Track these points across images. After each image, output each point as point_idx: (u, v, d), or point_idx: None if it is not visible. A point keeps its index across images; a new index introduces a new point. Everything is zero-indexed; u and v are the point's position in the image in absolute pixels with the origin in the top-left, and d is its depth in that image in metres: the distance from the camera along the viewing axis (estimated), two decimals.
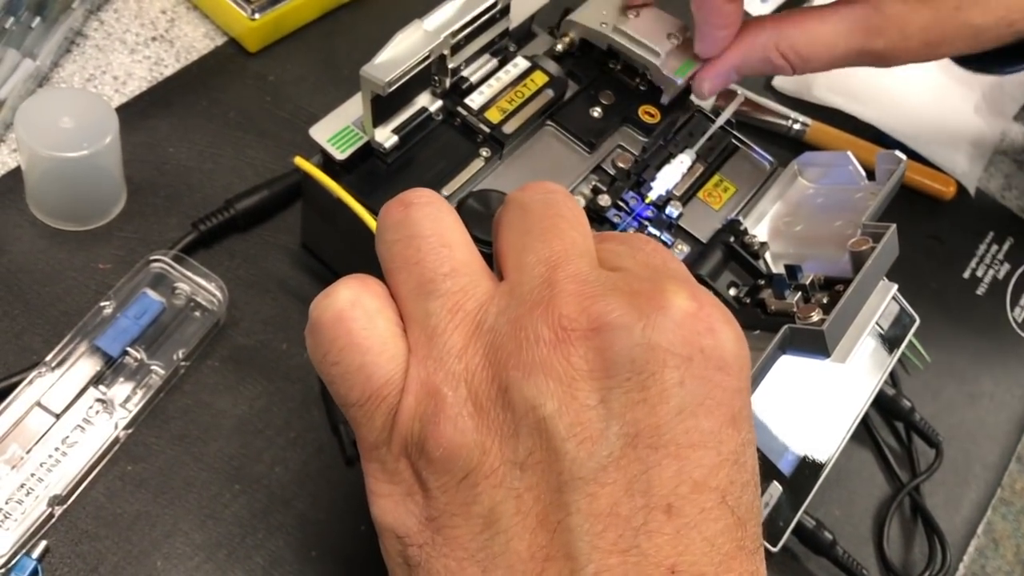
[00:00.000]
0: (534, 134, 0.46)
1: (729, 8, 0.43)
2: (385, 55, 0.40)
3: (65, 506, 0.40)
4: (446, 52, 0.42)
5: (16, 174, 0.48)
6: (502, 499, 0.26)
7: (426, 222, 0.30)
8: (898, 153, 0.45)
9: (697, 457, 0.26)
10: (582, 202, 0.44)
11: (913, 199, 0.63)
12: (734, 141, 0.49)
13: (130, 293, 0.45)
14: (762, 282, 0.43)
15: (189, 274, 0.46)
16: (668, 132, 0.48)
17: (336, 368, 0.29)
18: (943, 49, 0.44)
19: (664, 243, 0.45)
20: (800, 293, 0.40)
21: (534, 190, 0.31)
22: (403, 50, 0.40)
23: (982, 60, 0.46)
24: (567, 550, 0.25)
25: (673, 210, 0.45)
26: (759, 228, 0.47)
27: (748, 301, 0.42)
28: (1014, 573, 0.85)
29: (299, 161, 0.42)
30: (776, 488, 0.43)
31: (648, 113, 0.48)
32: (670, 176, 0.46)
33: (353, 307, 0.29)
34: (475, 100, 0.45)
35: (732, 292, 0.44)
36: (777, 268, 0.44)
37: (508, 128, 0.44)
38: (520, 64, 0.46)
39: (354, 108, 0.43)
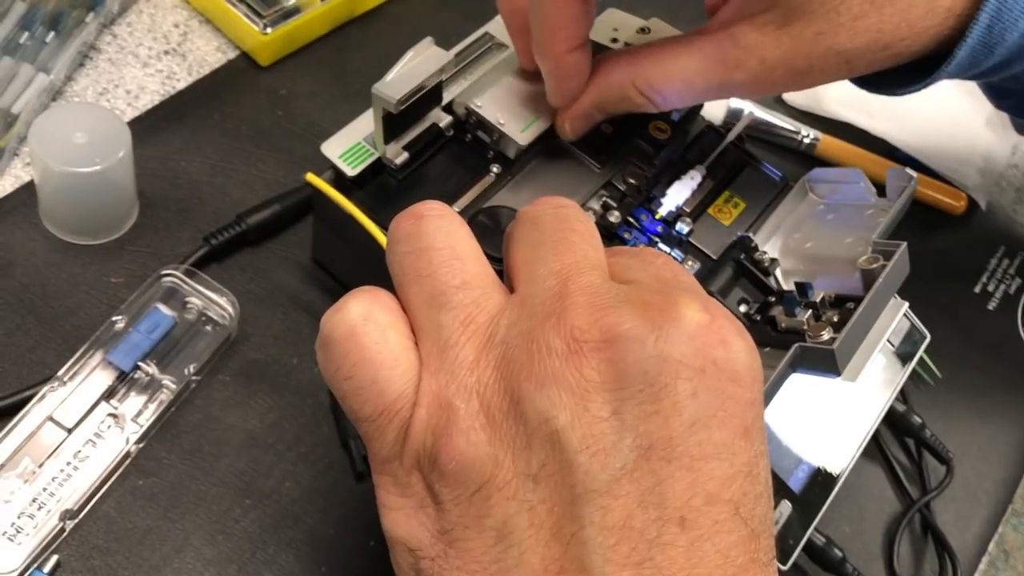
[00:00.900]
0: (545, 150, 0.46)
1: (572, 59, 0.41)
2: (396, 72, 0.40)
3: (76, 520, 0.40)
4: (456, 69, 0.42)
5: (29, 188, 0.49)
6: (515, 512, 0.26)
7: (438, 234, 0.30)
8: (909, 170, 0.45)
9: (710, 469, 0.26)
10: (592, 218, 0.44)
11: (923, 213, 0.63)
12: (744, 157, 0.49)
13: (142, 307, 0.45)
14: (772, 299, 0.43)
15: (201, 288, 0.46)
16: (678, 148, 0.48)
17: (349, 383, 0.29)
18: (812, 78, 0.39)
19: (674, 259, 0.45)
20: (811, 311, 0.40)
21: (546, 204, 0.32)
22: (414, 67, 0.40)
23: (878, 81, 0.41)
24: (581, 563, 0.25)
25: (683, 226, 0.45)
26: (769, 244, 0.47)
27: (758, 318, 0.42)
28: None
29: (311, 177, 0.42)
30: (786, 506, 0.43)
31: (658, 129, 0.48)
32: (680, 192, 0.46)
33: (365, 321, 0.29)
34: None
35: (742, 309, 0.44)
36: (787, 285, 0.44)
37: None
38: None
39: (365, 124, 0.43)
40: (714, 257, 0.45)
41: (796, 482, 0.43)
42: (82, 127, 0.45)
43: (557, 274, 0.28)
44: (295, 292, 0.49)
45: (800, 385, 0.39)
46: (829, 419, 0.46)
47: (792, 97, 0.65)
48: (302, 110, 0.56)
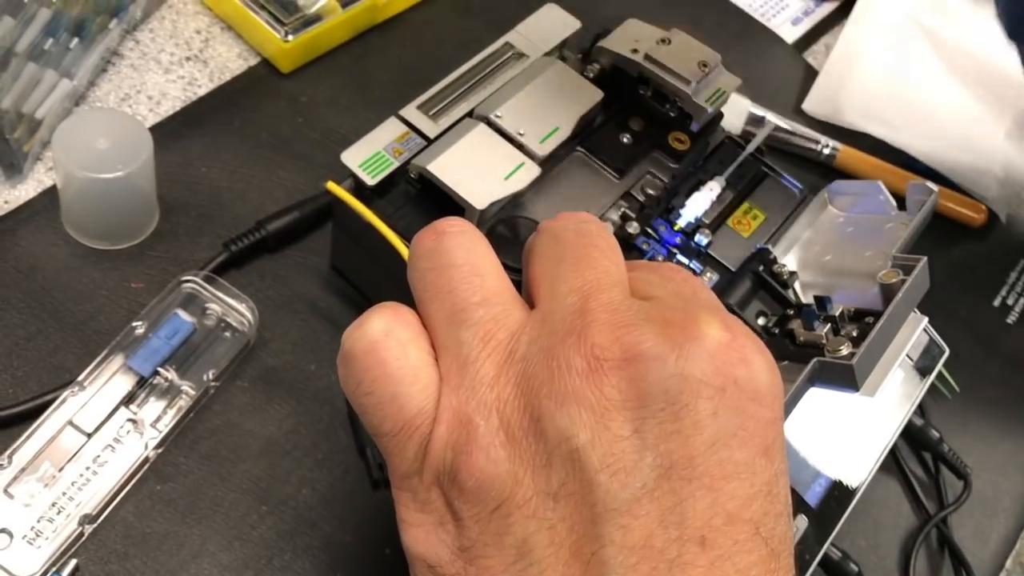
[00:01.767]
0: (564, 160, 0.46)
1: None
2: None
3: (95, 525, 0.41)
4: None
5: (52, 193, 0.49)
6: (535, 530, 0.26)
7: (458, 251, 0.30)
8: (930, 184, 0.44)
9: (731, 489, 0.26)
10: (611, 229, 0.44)
11: (943, 226, 0.63)
12: (764, 168, 0.49)
13: (162, 313, 0.45)
14: (791, 312, 0.43)
15: (220, 295, 0.46)
16: (698, 159, 0.48)
17: (369, 399, 0.29)
18: None
19: (693, 271, 0.45)
20: (829, 324, 0.40)
21: (567, 220, 0.31)
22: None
23: None
24: None
25: (702, 238, 0.45)
26: (788, 257, 0.47)
27: (777, 331, 0.42)
28: None
29: (331, 186, 0.43)
30: (803, 520, 0.42)
31: (678, 140, 0.48)
32: (699, 203, 0.46)
33: (386, 337, 0.29)
34: None
35: (761, 322, 0.43)
36: (806, 298, 0.44)
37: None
38: None
39: (385, 133, 0.44)
40: (733, 269, 0.45)
41: (813, 496, 0.43)
42: (105, 133, 0.45)
43: (578, 290, 0.28)
44: (313, 299, 0.49)
45: (818, 399, 0.39)
46: (846, 433, 0.45)
47: (812, 108, 0.65)
48: (322, 117, 0.56)
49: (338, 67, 0.58)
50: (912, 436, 0.52)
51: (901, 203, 0.46)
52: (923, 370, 0.48)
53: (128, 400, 0.43)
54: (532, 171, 0.42)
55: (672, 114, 0.48)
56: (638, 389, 0.26)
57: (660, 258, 0.44)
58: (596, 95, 0.46)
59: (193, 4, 0.59)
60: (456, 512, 0.27)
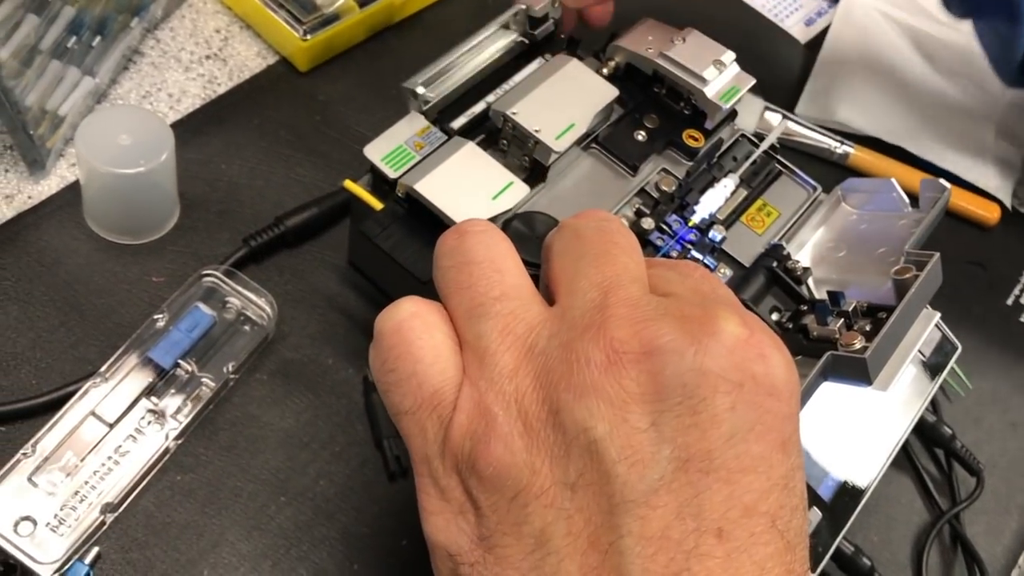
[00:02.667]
0: (578, 157, 0.47)
1: None
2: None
3: (116, 514, 0.41)
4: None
5: (74, 188, 0.50)
6: (553, 519, 0.27)
7: (479, 248, 0.31)
8: (942, 181, 0.45)
9: (748, 482, 0.26)
10: (625, 224, 0.45)
11: (956, 224, 0.63)
12: (778, 166, 0.50)
13: (182, 306, 0.46)
14: (805, 307, 0.43)
15: (240, 289, 0.47)
16: (712, 156, 0.48)
17: (392, 375, 0.30)
18: None
19: (707, 267, 0.45)
20: (843, 319, 0.40)
21: (588, 217, 0.32)
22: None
23: None
24: (618, 572, 0.25)
25: (716, 234, 0.46)
26: (802, 253, 0.47)
27: (790, 326, 0.43)
28: None
29: (348, 184, 0.43)
30: (815, 514, 0.43)
31: (692, 137, 0.48)
32: (713, 200, 0.47)
33: (412, 318, 0.30)
34: None
35: (775, 317, 0.44)
36: (820, 294, 0.45)
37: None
38: None
39: (406, 128, 0.44)
40: (747, 265, 0.46)
41: (826, 490, 0.44)
42: (127, 129, 0.46)
43: (598, 286, 0.29)
44: (331, 294, 0.50)
45: (831, 395, 0.40)
46: (859, 428, 0.46)
47: (804, 109, 0.65)
48: (339, 115, 0.56)
49: (355, 66, 0.59)
50: (925, 432, 0.52)
51: (915, 202, 0.46)
52: (936, 367, 0.49)
53: (149, 392, 0.44)
54: (520, 191, 0.43)
55: (686, 112, 0.48)
56: (656, 382, 0.26)
57: (675, 254, 0.45)
58: (611, 92, 0.47)
59: (213, 3, 0.60)
60: (475, 501, 0.28)
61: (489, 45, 0.47)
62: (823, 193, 0.49)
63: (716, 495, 0.26)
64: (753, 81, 0.48)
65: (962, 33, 0.70)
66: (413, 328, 0.30)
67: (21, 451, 0.41)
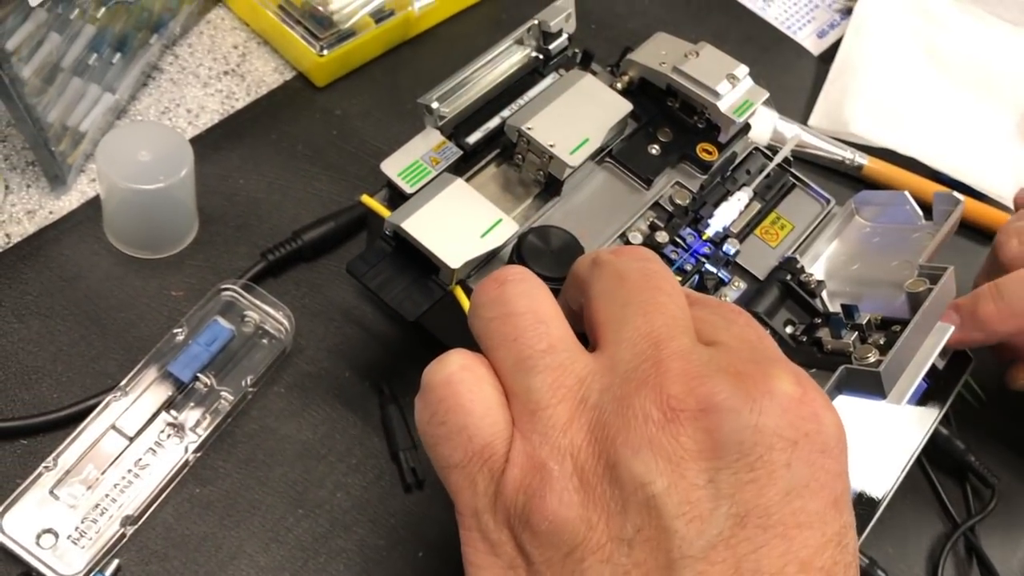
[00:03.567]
0: (593, 171, 0.47)
1: None
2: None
3: (136, 526, 0.42)
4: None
5: (95, 203, 0.50)
6: (610, 575, 0.27)
7: (521, 299, 0.31)
8: (956, 194, 0.45)
9: (804, 538, 0.26)
10: (639, 238, 0.45)
11: (970, 235, 0.63)
12: (791, 179, 0.50)
13: (201, 320, 0.46)
14: (818, 321, 0.43)
15: (258, 302, 0.47)
16: (725, 169, 0.48)
17: (441, 428, 0.30)
18: None
19: (721, 280, 0.45)
20: (857, 333, 0.40)
21: (630, 257, 0.32)
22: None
23: None
24: None
25: (730, 247, 0.46)
26: (816, 266, 0.47)
27: (804, 339, 0.43)
28: None
29: (365, 199, 0.44)
30: None
31: (706, 150, 0.48)
32: (727, 213, 0.47)
33: (463, 370, 0.30)
34: None
35: (788, 330, 0.44)
36: (834, 307, 0.45)
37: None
38: None
39: (422, 143, 0.44)
40: (761, 278, 0.46)
41: None
42: (147, 145, 0.47)
43: (647, 337, 0.29)
44: (348, 307, 0.50)
45: (845, 407, 0.40)
46: (873, 441, 0.46)
47: (817, 122, 0.65)
48: (356, 130, 0.57)
49: (371, 81, 0.60)
50: (939, 445, 0.52)
51: (928, 214, 0.46)
52: (950, 379, 0.49)
53: (168, 405, 0.44)
54: (509, 228, 0.42)
55: (700, 125, 0.49)
56: (713, 440, 0.27)
57: (689, 267, 0.45)
58: (625, 107, 0.47)
59: (230, 20, 0.60)
60: (528, 556, 0.28)
61: (504, 60, 0.48)
62: (836, 206, 0.50)
63: (774, 551, 0.26)
64: (766, 94, 0.49)
65: (976, 43, 0.71)
66: (463, 380, 0.30)
67: (43, 464, 0.41)
